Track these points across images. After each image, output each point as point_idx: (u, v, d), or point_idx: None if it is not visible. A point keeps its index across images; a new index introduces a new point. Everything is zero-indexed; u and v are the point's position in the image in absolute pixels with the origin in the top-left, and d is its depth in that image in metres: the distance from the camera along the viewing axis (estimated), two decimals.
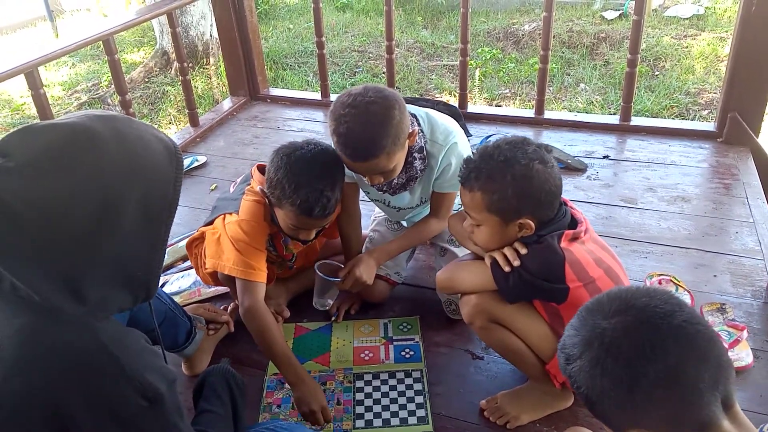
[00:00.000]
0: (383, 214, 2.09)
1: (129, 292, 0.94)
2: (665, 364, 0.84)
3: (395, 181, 1.77)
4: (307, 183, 1.59)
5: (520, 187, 1.36)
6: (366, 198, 1.99)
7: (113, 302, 0.92)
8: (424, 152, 1.75)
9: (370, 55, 5.78)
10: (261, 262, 1.71)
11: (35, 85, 2.42)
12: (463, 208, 1.51)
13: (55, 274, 0.85)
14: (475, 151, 1.48)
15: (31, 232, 0.83)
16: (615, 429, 0.92)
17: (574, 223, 1.45)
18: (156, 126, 4.88)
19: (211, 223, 1.81)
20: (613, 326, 0.88)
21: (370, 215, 2.19)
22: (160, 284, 2.06)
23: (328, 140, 1.66)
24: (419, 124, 1.74)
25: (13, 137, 0.85)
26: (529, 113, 3.21)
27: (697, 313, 0.89)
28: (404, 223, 2.06)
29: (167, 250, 2.26)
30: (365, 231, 2.09)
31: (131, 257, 0.91)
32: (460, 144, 1.77)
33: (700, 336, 0.86)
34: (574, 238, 1.40)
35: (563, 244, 1.38)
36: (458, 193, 1.85)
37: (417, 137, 1.71)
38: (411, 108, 1.77)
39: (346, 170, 1.74)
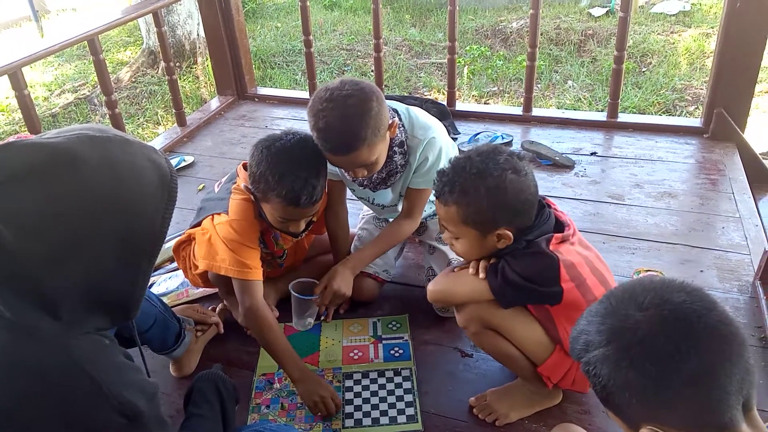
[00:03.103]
0: (371, 212, 2.08)
1: (106, 314, 0.92)
2: (699, 364, 0.82)
3: (375, 176, 1.77)
4: (291, 172, 1.58)
5: (494, 198, 1.35)
6: (353, 197, 1.99)
7: (89, 322, 0.90)
8: (405, 147, 1.75)
9: (359, 53, 5.77)
10: (255, 260, 1.70)
11: (19, 86, 2.39)
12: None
13: (27, 291, 0.83)
14: (459, 149, 1.47)
15: (6, 248, 0.81)
16: (627, 421, 0.89)
17: (560, 225, 1.44)
18: (143, 127, 4.87)
19: (198, 224, 1.79)
20: (648, 319, 0.85)
21: (358, 214, 2.19)
22: (147, 285, 2.06)
23: None
24: (400, 119, 1.74)
25: None
26: (518, 110, 3.22)
27: (729, 312, 0.87)
28: (391, 221, 2.05)
29: None
30: (353, 229, 2.08)
31: (108, 285, 0.89)
32: (439, 140, 1.76)
33: (733, 337, 0.84)
34: (563, 241, 1.40)
35: (552, 248, 1.37)
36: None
37: (398, 132, 1.71)
38: (392, 103, 1.76)
39: (333, 167, 1.73)
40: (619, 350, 0.86)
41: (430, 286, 1.56)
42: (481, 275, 1.42)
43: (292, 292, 1.79)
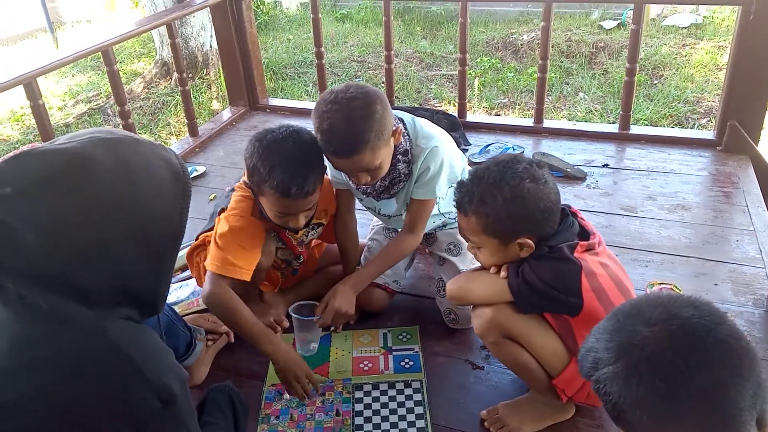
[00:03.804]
0: (381, 222, 2.08)
1: (135, 308, 0.94)
2: (709, 379, 0.81)
3: (378, 184, 1.77)
4: (281, 163, 1.58)
5: (512, 208, 1.35)
6: (363, 207, 1.98)
7: (120, 313, 0.92)
8: (409, 155, 1.75)
9: (369, 64, 5.80)
10: (242, 259, 1.66)
11: (34, 96, 2.42)
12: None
13: (57, 288, 0.85)
14: (470, 160, 1.47)
15: (31, 251, 0.84)
16: None
17: (585, 234, 1.43)
18: (155, 137, 4.92)
19: (210, 229, 1.80)
20: (655, 335, 0.84)
21: (368, 224, 2.19)
22: (171, 279, 2.07)
23: None
24: (405, 129, 1.74)
25: (9, 163, 0.86)
26: (529, 122, 3.22)
27: (738, 326, 0.87)
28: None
29: None
30: (363, 240, 2.08)
31: (133, 281, 0.91)
32: (441, 150, 1.75)
33: (744, 352, 0.83)
34: (588, 249, 1.39)
35: (577, 255, 1.36)
36: (439, 203, 1.86)
37: (403, 140, 1.71)
38: (398, 113, 1.77)
39: (341, 177, 1.73)
40: (628, 367, 0.84)
41: (449, 285, 1.55)
42: (503, 275, 1.42)
43: (293, 314, 1.75)
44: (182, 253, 2.20)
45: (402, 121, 1.75)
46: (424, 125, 1.79)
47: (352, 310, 1.81)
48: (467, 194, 1.40)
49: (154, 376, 0.88)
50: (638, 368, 0.84)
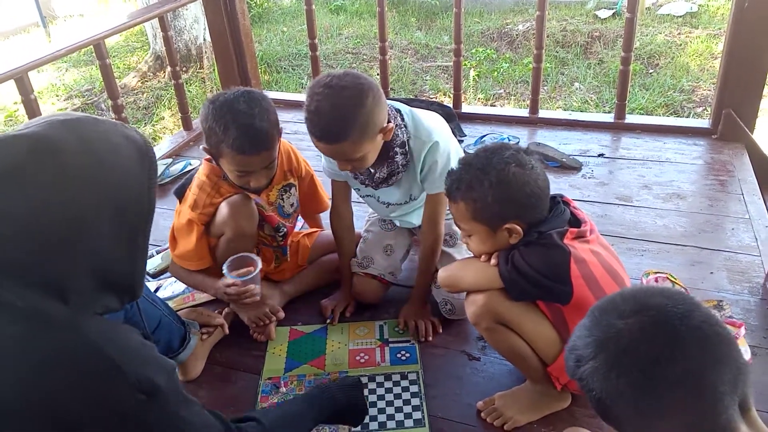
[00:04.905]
0: (377, 214, 2.07)
1: (113, 295, 0.93)
2: (686, 366, 0.81)
3: (377, 174, 1.76)
4: (235, 120, 1.61)
5: (498, 192, 1.36)
6: (360, 200, 1.98)
7: (98, 303, 0.92)
8: (407, 147, 1.73)
9: (364, 56, 5.78)
10: (191, 254, 1.81)
11: (25, 90, 2.40)
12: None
13: (33, 282, 0.84)
14: (465, 151, 1.47)
15: (5, 244, 0.82)
16: None
17: (577, 222, 1.43)
18: (149, 131, 4.89)
19: None
20: (629, 327, 0.85)
21: (364, 216, 2.18)
22: (153, 289, 2.06)
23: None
24: (403, 120, 1.73)
25: None
26: (524, 113, 3.20)
27: (714, 313, 0.87)
28: (397, 223, 2.04)
29: (161, 254, 2.25)
30: (359, 230, 2.07)
31: (110, 264, 0.90)
32: (444, 143, 1.74)
33: (719, 337, 0.83)
34: (579, 237, 1.39)
35: (566, 242, 1.36)
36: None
37: (400, 132, 1.70)
38: (397, 104, 1.75)
39: (336, 168, 1.71)
40: (606, 361, 0.85)
41: (441, 272, 1.55)
42: (493, 262, 1.42)
43: (226, 273, 1.71)
44: None
45: (399, 111, 1.74)
46: (423, 117, 1.78)
47: (428, 319, 1.87)
48: (456, 181, 1.41)
49: (132, 369, 0.87)
50: (616, 361, 0.85)
